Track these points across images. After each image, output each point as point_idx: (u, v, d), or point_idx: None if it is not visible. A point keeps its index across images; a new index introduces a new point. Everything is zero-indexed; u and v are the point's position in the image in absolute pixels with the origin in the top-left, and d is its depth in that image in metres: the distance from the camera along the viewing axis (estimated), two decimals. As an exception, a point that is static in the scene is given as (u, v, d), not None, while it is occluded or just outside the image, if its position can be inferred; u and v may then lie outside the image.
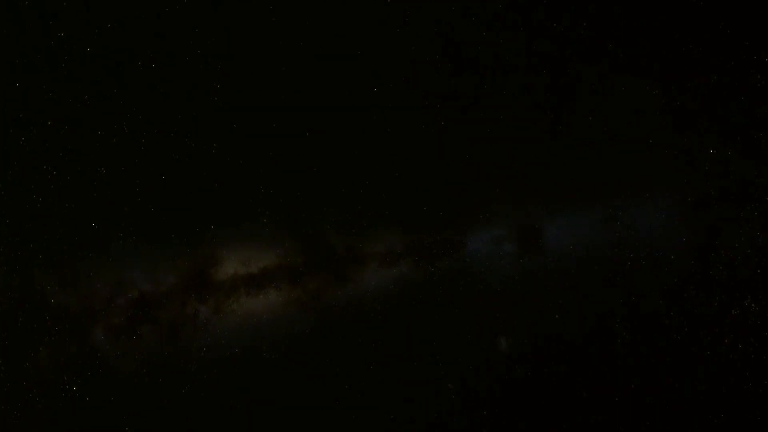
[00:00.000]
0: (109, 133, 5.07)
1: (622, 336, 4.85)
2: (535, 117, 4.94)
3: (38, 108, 5.01)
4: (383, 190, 5.20)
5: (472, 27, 4.90)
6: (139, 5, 4.90)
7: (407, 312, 5.28)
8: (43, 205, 5.17)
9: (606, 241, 4.85)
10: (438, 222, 5.25)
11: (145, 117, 5.06)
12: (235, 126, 5.11)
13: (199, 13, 4.94)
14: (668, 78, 4.54)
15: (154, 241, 5.27)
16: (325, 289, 5.34)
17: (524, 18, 4.84)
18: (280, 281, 5.34)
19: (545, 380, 5.07)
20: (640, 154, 4.71)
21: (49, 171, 5.13)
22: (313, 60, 5.06)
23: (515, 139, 5.06)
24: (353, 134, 5.18)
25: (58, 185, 5.14)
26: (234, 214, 5.24)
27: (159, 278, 5.33)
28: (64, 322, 5.34)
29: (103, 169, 5.12)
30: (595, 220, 4.91)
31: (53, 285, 5.29)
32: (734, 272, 4.45)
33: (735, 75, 4.36)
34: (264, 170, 5.17)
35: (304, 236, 5.30)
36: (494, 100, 4.99)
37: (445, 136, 5.13)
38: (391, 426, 5.28)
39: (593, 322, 4.95)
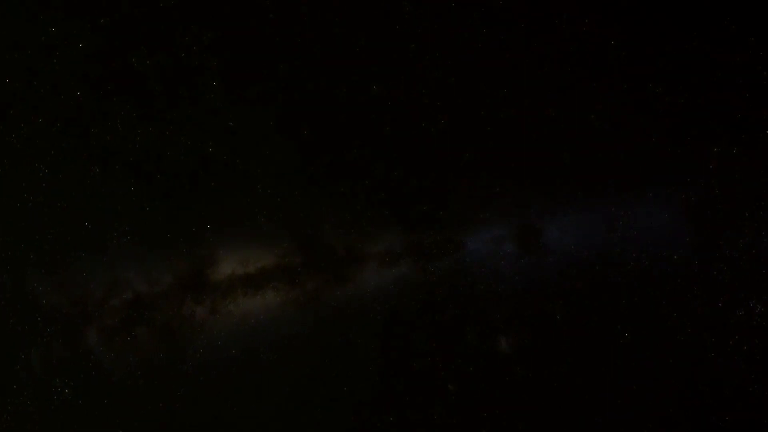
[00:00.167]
0: (103, 131, 4.93)
1: (624, 337, 4.76)
2: (536, 116, 4.85)
3: (29, 105, 4.85)
4: (383, 190, 5.11)
5: (473, 24, 4.79)
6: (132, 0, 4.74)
7: (407, 313, 5.19)
8: (35, 204, 5.05)
9: (608, 240, 4.78)
10: (438, 222, 5.16)
11: (140, 114, 4.92)
12: (231, 124, 4.99)
13: (194, 9, 4.78)
14: (671, 75, 4.44)
15: (150, 240, 5.15)
16: (324, 289, 5.25)
17: (525, 16, 4.75)
18: (278, 282, 5.27)
19: (546, 381, 4.98)
20: (642, 153, 4.61)
21: (41, 169, 5.00)
22: (311, 57, 4.94)
23: (516, 138, 4.97)
24: (352, 133, 5.07)
25: (50, 184, 4.99)
26: (231, 213, 5.14)
27: (154, 279, 5.22)
28: (57, 323, 5.23)
29: (96, 168, 4.99)
30: (597, 219, 4.84)
31: (45, 286, 5.18)
32: (738, 272, 4.36)
33: (739, 72, 4.26)
34: (261, 169, 5.07)
35: (303, 236, 5.21)
36: (494, 98, 4.89)
37: (445, 134, 5.04)
38: (391, 427, 5.19)
39: (595, 322, 4.87)
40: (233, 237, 5.18)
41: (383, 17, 4.85)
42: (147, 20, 4.77)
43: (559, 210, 4.92)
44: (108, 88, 4.82)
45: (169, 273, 5.17)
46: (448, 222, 5.14)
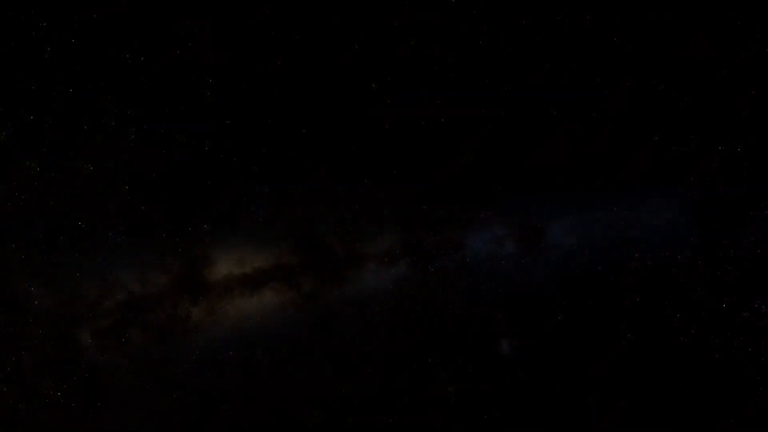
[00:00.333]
0: (95, 128, 4.78)
1: (627, 338, 4.65)
2: (537, 114, 4.75)
3: (18, 101, 4.67)
4: (382, 189, 5.03)
5: (473, 20, 4.68)
6: (126, -7, 4.56)
7: (406, 313, 5.12)
8: (25, 202, 4.86)
9: (610, 241, 4.71)
10: (438, 221, 5.08)
11: (134, 111, 4.78)
12: (228, 122, 4.86)
13: (189, 1, 4.61)
14: (674, 72, 4.34)
15: (144, 240, 5.01)
16: (322, 289, 5.16)
17: (526, 13, 4.63)
18: (275, 282, 5.17)
19: (548, 383, 4.88)
20: (645, 151, 4.50)
21: (31, 167, 4.81)
22: (310, 54, 4.83)
23: (516, 136, 4.87)
24: (351, 131, 4.97)
25: (41, 182, 4.82)
26: (227, 212, 5.02)
27: (149, 279, 5.08)
28: (47, 324, 5.05)
29: (88, 166, 4.84)
30: (599, 219, 4.77)
31: (36, 286, 4.99)
32: (743, 273, 4.26)
33: (744, 68, 4.15)
34: (258, 167, 4.96)
35: (300, 235, 5.11)
36: (495, 96, 4.82)
37: (445, 133, 4.93)
38: (390, 430, 5.06)
39: (597, 324, 4.78)
40: (230, 236, 5.08)
41: (382, 12, 4.74)
42: (140, 13, 4.61)
43: (561, 209, 4.87)
44: (100, 84, 4.67)
45: (163, 273, 5.05)
46: (448, 221, 5.08)
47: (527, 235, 4.96)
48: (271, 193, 4.99)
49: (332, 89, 4.84)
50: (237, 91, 4.83)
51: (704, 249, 4.41)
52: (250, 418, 5.12)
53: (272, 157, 4.94)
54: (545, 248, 4.91)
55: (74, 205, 4.85)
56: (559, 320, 4.82)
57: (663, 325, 4.56)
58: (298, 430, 5.13)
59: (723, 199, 4.31)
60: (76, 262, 4.92)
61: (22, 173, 4.76)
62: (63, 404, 4.98)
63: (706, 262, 4.38)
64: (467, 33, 4.72)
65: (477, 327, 5.02)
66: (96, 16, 4.57)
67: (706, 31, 4.23)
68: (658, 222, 4.55)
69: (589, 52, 4.56)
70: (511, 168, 4.96)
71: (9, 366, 5.00)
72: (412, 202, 5.04)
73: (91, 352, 5.05)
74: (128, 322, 5.05)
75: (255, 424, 5.13)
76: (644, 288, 4.60)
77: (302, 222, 5.08)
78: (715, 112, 4.30)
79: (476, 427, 5.03)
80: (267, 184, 4.97)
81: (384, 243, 5.11)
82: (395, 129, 4.93)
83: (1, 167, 4.81)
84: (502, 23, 4.66)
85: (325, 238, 5.12)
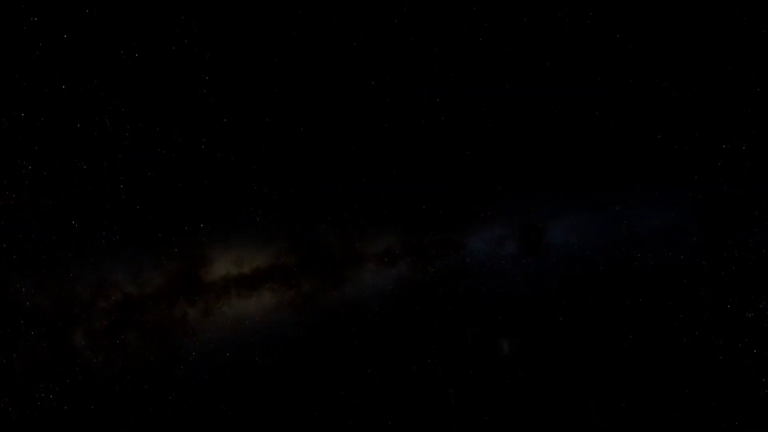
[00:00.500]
0: (89, 126, 4.66)
1: (630, 339, 4.55)
2: (538, 112, 4.65)
3: (10, 98, 4.53)
4: (381, 188, 4.94)
5: (473, 18, 4.57)
6: (121, -13, 4.41)
7: (406, 314, 5.04)
8: (17, 201, 4.72)
9: (612, 240, 4.63)
10: (438, 221, 5.00)
11: (129, 109, 4.66)
12: (225, 120, 4.75)
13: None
14: (678, 70, 4.23)
15: (139, 240, 4.89)
16: (321, 290, 5.07)
17: (527, 9, 4.53)
18: (273, 282, 5.06)
19: (549, 385, 4.79)
20: (648, 150, 4.40)
21: (24, 166, 4.67)
22: (308, 51, 4.74)
23: (517, 135, 4.78)
24: (350, 129, 4.90)
25: (34, 181, 4.68)
26: (225, 212, 4.92)
27: (144, 279, 4.95)
28: (41, 325, 4.92)
29: (83, 164, 4.70)
30: (601, 218, 4.69)
31: (28, 287, 4.85)
32: (748, 273, 4.15)
33: (748, 66, 4.05)
34: (256, 166, 4.87)
35: (299, 235, 5.02)
36: (496, 95, 4.74)
37: (445, 132, 4.84)
38: (390, 431, 4.93)
39: (598, 325, 4.71)
40: (227, 236, 4.97)
41: (381, 10, 4.62)
42: (135, 10, 4.45)
43: (562, 209, 4.79)
44: (95, 81, 4.53)
45: (159, 274, 4.93)
46: (448, 221, 5.00)
47: (528, 234, 4.89)
48: (270, 192, 4.91)
49: (332, 88, 4.77)
50: (234, 88, 4.74)
51: (708, 249, 4.32)
52: (248, 420, 5.00)
53: (270, 156, 4.85)
54: (546, 248, 4.85)
55: (68, 204, 4.71)
56: (560, 321, 4.72)
57: (665, 326, 4.46)
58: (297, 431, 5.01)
59: (727, 198, 4.21)
60: (70, 262, 4.79)
61: (15, 172, 4.61)
62: (56, 407, 4.81)
63: (709, 262, 4.28)
64: (467, 32, 4.63)
65: (477, 327, 4.93)
66: (91, 13, 4.42)
67: (710, 29, 4.12)
68: (660, 222, 4.46)
69: (591, 51, 4.46)
70: (511, 167, 4.86)
71: (1, 367, 4.84)
72: (411, 200, 4.96)
73: (85, 353, 4.92)
74: (123, 323, 4.92)
75: (253, 427, 5.01)
76: (646, 288, 4.50)
77: (301, 221, 5.01)
78: (719, 110, 4.20)
79: (476, 428, 4.92)
80: (265, 183, 4.88)
81: (384, 243, 5.03)
82: (395, 129, 4.85)
83: (-8, 165, 4.66)
84: (502, 22, 4.57)
85: (324, 237, 5.03)
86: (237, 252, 5.00)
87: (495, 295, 4.86)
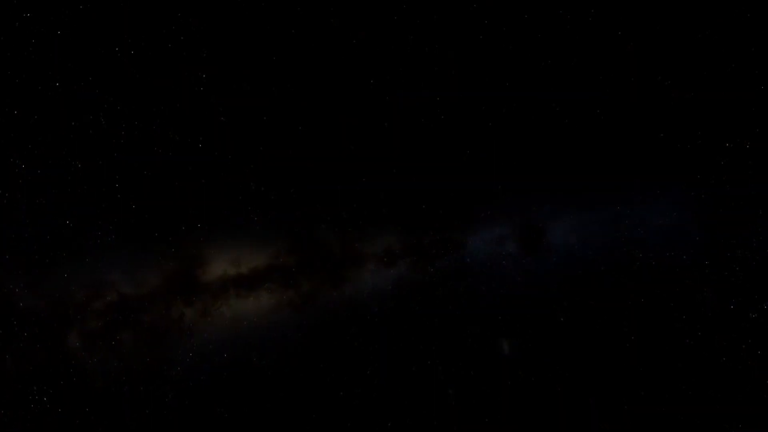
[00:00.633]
0: (84, 124, 4.52)
1: (631, 341, 4.46)
2: (539, 111, 4.56)
3: (3, 95, 4.38)
4: (381, 188, 4.84)
5: (473, 16, 4.47)
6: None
7: (406, 314, 4.94)
8: (10, 201, 4.59)
9: (613, 240, 4.56)
10: (438, 221, 4.92)
11: (124, 107, 4.52)
12: (223, 119, 4.63)
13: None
14: (680, 67, 4.13)
15: (136, 240, 4.76)
16: (320, 290, 4.97)
17: (528, 6, 4.42)
18: (271, 283, 4.96)
19: (549, 386, 4.69)
20: (649, 148, 4.30)
21: (16, 164, 4.53)
22: (307, 50, 4.63)
23: (517, 134, 4.69)
24: (349, 129, 4.78)
25: (27, 180, 4.54)
26: (222, 211, 4.81)
27: (141, 280, 4.82)
28: (34, 327, 4.80)
29: (77, 163, 4.57)
30: (602, 218, 4.60)
31: (21, 287, 4.71)
32: (752, 273, 4.06)
33: (752, 64, 3.95)
34: (254, 165, 4.75)
35: (297, 235, 4.92)
36: (496, 95, 4.65)
37: (445, 132, 4.74)
38: (389, 433, 4.82)
39: (599, 326, 4.63)
40: (224, 236, 4.86)
41: (381, 8, 4.51)
42: (130, 6, 4.31)
43: (563, 208, 4.70)
44: (89, 78, 4.38)
45: (156, 274, 4.80)
46: (448, 221, 4.91)
47: (528, 234, 4.81)
48: (268, 191, 4.79)
49: (331, 88, 4.66)
50: (232, 87, 4.63)
51: (710, 249, 4.22)
52: (246, 423, 4.89)
53: (269, 156, 4.73)
54: (546, 248, 4.77)
55: (62, 202, 4.58)
56: (561, 321, 4.63)
57: (667, 327, 4.37)
58: (295, 433, 4.89)
59: (730, 197, 4.11)
60: (65, 262, 4.66)
61: (8, 170, 4.46)
62: (50, 410, 4.68)
63: (712, 262, 4.18)
64: (468, 31, 4.52)
65: (477, 327, 4.84)
66: (85, 9, 4.28)
67: (713, 26, 4.02)
68: (662, 221, 4.37)
69: (592, 50, 4.36)
70: (511, 167, 4.76)
71: (-7, 370, 4.69)
72: (410, 200, 4.87)
73: (80, 355, 4.79)
74: (119, 324, 4.79)
75: (251, 430, 4.90)
76: (648, 289, 4.40)
77: (300, 221, 4.90)
78: (723, 109, 4.10)
79: (476, 429, 4.82)
80: (263, 182, 4.77)
81: (384, 243, 4.94)
82: (395, 129, 4.75)
83: (-15, 164, 4.51)
84: (502, 21, 4.47)
85: (324, 237, 4.93)
86: (235, 252, 4.89)
87: (495, 296, 4.78)
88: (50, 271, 4.68)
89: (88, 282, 4.70)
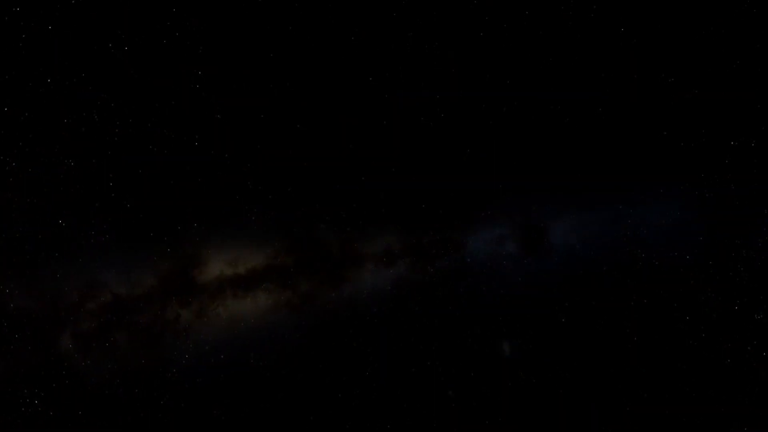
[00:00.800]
0: (77, 121, 4.34)
1: (633, 341, 4.33)
2: (539, 111, 4.43)
3: None
4: (381, 188, 4.71)
5: (473, 15, 4.33)
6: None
7: (405, 315, 4.81)
8: (2, 200, 4.41)
9: (616, 240, 4.44)
10: (438, 221, 4.80)
11: (118, 104, 4.34)
12: (219, 117, 4.48)
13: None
14: (684, 64, 4.00)
15: (130, 240, 4.60)
16: (318, 290, 4.84)
17: (527, 10, 4.29)
18: (269, 283, 4.83)
19: (550, 386, 4.56)
20: (653, 147, 4.17)
21: (8, 162, 4.34)
22: (307, 49, 4.49)
23: (518, 134, 4.57)
24: (348, 127, 4.65)
25: (19, 178, 4.36)
26: (219, 210, 4.67)
27: (135, 280, 4.66)
28: (26, 328, 4.61)
29: (70, 161, 4.39)
30: (604, 218, 4.50)
31: (13, 288, 4.53)
32: (756, 274, 3.93)
33: (756, 62, 3.83)
34: (252, 164, 4.61)
35: (296, 235, 4.78)
36: (496, 95, 4.53)
37: (445, 131, 4.62)
38: (388, 435, 4.67)
39: (601, 326, 4.50)
40: (221, 235, 4.71)
41: (380, 7, 4.37)
42: (127, 5, 4.14)
43: (564, 208, 4.59)
44: (82, 75, 4.20)
45: (151, 274, 4.64)
46: (448, 221, 4.79)
47: (528, 234, 4.70)
48: (266, 190, 4.65)
49: (331, 87, 4.53)
50: (230, 85, 4.48)
51: (714, 249, 4.10)
52: (243, 425, 4.74)
53: (267, 155, 4.60)
54: (547, 248, 4.66)
55: (55, 202, 4.40)
56: (562, 322, 4.50)
57: (670, 327, 4.25)
58: (294, 435, 4.73)
59: (734, 196, 3.99)
60: (57, 263, 4.47)
61: (-1, 169, 4.32)
62: (41, 413, 4.50)
63: (716, 262, 4.06)
64: (468, 31, 4.39)
65: (477, 328, 4.71)
66: (79, 6, 4.10)
67: (717, 25, 3.90)
68: (665, 220, 4.25)
69: (594, 49, 4.23)
70: (511, 167, 4.63)
71: (-16, 373, 4.49)
72: (410, 200, 4.74)
73: (72, 357, 4.61)
74: (113, 325, 4.62)
75: (249, 430, 4.72)
76: (650, 289, 4.28)
77: (299, 221, 4.77)
78: (727, 107, 3.97)
79: (477, 430, 4.69)
80: (261, 181, 4.62)
81: (383, 243, 4.81)
82: (395, 128, 4.62)
83: (-26, 162, 4.31)
84: (502, 20, 4.34)
85: (323, 237, 4.79)
86: (232, 252, 4.75)
87: (495, 296, 4.66)
88: (42, 271, 4.51)
89: (82, 282, 4.53)
